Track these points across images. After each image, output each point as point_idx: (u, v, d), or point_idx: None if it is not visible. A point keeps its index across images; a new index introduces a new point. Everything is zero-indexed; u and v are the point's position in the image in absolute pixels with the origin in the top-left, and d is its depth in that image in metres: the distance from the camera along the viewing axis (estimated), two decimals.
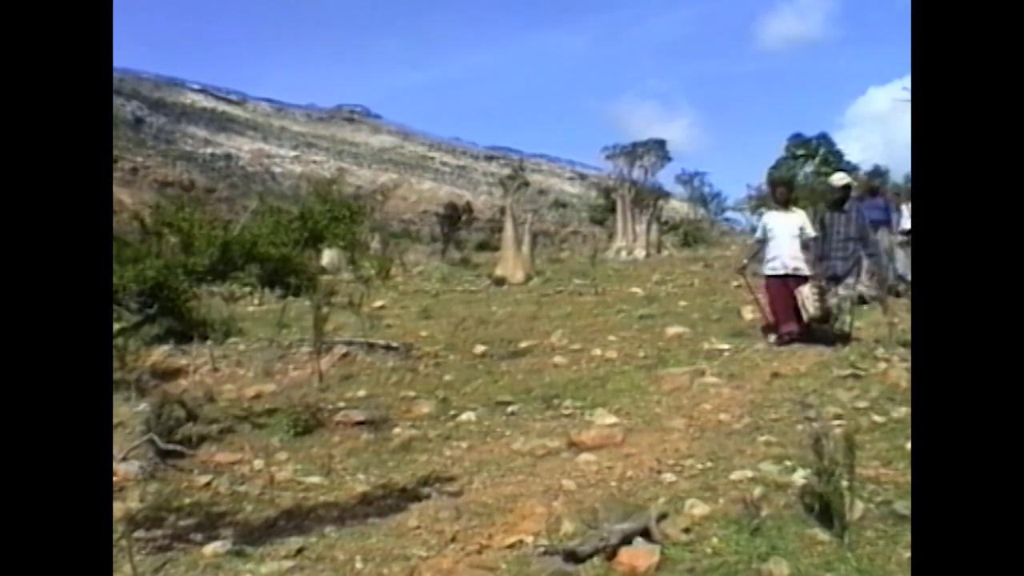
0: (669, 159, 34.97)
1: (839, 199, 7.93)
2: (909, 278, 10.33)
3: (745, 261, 8.73)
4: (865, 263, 8.00)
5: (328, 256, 13.69)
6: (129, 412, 5.53)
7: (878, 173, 30.57)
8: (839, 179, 8.29)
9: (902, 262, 11.01)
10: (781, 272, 7.46)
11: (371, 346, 7.79)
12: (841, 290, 7.27)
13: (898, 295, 9.61)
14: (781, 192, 8.18)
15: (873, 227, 9.71)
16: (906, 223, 11.33)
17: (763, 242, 7.77)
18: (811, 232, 7.55)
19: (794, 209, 7.85)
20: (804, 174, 31.07)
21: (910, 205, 11.54)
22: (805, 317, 7.18)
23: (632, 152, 33.80)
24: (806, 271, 7.41)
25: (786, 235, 7.54)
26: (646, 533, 3.31)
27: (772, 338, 7.43)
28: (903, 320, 7.08)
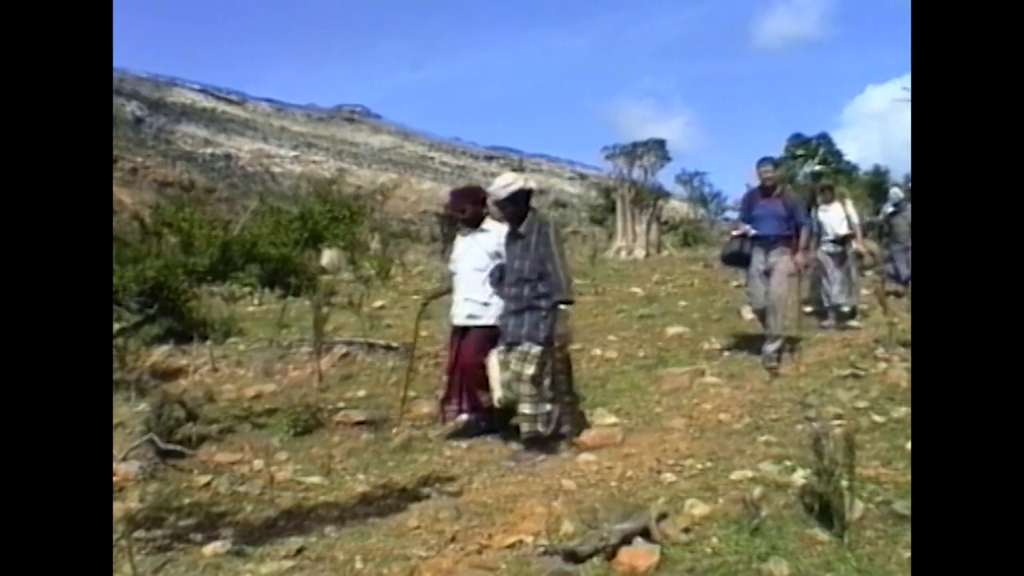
0: (669, 159, 34.84)
1: (513, 216, 4.91)
2: (841, 301, 8.46)
3: (427, 300, 6.28)
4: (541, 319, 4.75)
5: (328, 256, 13.71)
6: (129, 412, 5.53)
7: (878, 172, 30.44)
8: (503, 185, 4.91)
9: (834, 288, 8.50)
10: (456, 322, 5.33)
11: (371, 346, 7.79)
12: (513, 361, 4.77)
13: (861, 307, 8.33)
14: (468, 209, 5.42)
15: (766, 247, 6.60)
16: (840, 226, 8.68)
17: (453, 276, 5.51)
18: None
19: (488, 227, 5.36)
20: (804, 174, 31.06)
21: (839, 205, 8.90)
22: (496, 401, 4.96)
23: (632, 152, 33.73)
24: (488, 319, 5.12)
25: (468, 268, 5.29)
26: (646, 533, 3.30)
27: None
28: (903, 320, 7.07)
